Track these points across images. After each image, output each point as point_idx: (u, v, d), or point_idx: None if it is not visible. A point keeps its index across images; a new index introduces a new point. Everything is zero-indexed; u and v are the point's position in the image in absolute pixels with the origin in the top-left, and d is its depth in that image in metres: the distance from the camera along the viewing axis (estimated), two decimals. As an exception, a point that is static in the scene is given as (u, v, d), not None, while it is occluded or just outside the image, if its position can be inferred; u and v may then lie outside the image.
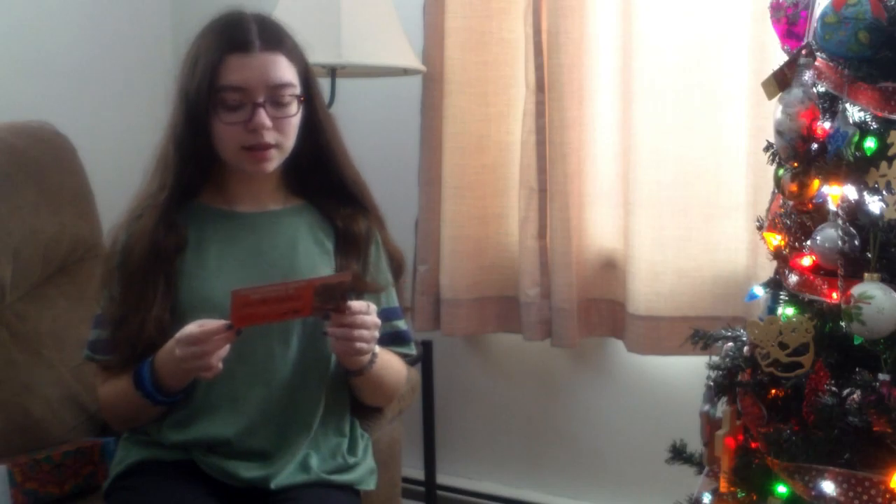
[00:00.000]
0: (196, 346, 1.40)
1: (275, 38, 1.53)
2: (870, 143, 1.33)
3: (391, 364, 1.65)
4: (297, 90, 1.54)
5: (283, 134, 1.53)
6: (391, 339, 1.67)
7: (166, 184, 1.55)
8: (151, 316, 1.49)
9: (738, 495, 1.43)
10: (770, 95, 1.51)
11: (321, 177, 1.63)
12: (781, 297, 1.51)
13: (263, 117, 1.49)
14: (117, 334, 1.53)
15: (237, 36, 1.50)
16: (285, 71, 1.52)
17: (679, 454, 1.64)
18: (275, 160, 1.55)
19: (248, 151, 1.52)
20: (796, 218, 1.49)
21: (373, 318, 1.48)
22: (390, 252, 1.69)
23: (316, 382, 1.58)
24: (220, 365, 1.42)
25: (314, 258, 1.60)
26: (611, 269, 2.29)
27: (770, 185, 1.60)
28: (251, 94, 1.49)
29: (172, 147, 1.54)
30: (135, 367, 1.50)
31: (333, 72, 2.20)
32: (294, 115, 1.54)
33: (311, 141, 1.59)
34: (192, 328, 1.41)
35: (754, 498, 1.41)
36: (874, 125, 1.35)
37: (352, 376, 1.59)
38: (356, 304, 1.46)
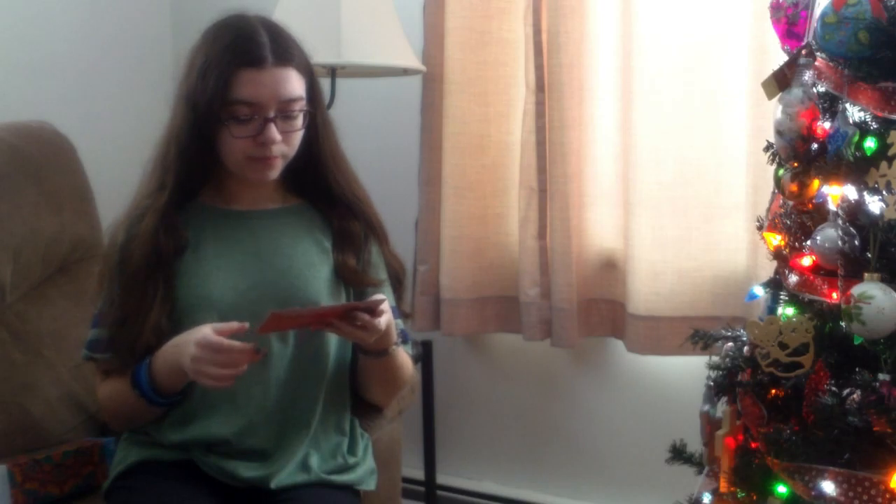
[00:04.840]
0: (215, 355, 1.39)
1: (286, 51, 1.52)
2: (870, 143, 1.33)
3: (403, 355, 1.65)
4: (304, 104, 1.54)
5: (288, 145, 1.54)
6: None
7: (166, 184, 1.55)
8: (150, 321, 1.49)
9: (738, 495, 1.43)
10: (770, 95, 1.51)
11: (318, 182, 1.63)
12: (781, 297, 1.51)
13: (274, 132, 1.50)
14: (116, 337, 1.53)
15: (250, 50, 1.49)
16: (296, 85, 1.52)
17: (679, 454, 1.64)
18: (278, 169, 1.56)
19: (255, 161, 1.52)
20: (796, 218, 1.49)
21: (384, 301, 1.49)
22: (391, 264, 1.68)
23: (313, 380, 1.58)
24: (232, 382, 1.41)
25: (312, 257, 1.61)
26: (611, 269, 2.29)
27: (770, 185, 1.60)
28: (262, 108, 1.49)
29: (174, 150, 1.54)
30: (133, 368, 1.51)
31: (333, 72, 2.20)
32: (300, 129, 1.55)
33: (310, 147, 1.59)
34: (215, 338, 1.40)
35: (754, 498, 1.41)
36: (874, 125, 1.35)
37: (375, 357, 1.57)
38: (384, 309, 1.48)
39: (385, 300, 1.48)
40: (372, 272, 1.65)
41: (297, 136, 1.55)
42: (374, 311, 1.45)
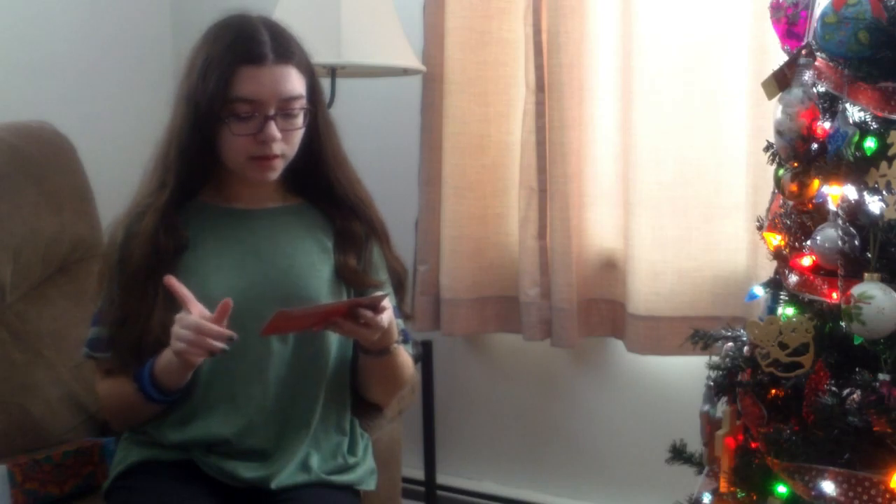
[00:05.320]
0: (190, 331, 1.40)
1: (287, 49, 1.52)
2: (870, 143, 1.33)
3: (404, 354, 1.65)
4: (305, 102, 1.54)
5: (289, 144, 1.54)
6: None
7: (167, 183, 1.55)
8: (155, 321, 1.49)
9: (738, 495, 1.43)
10: (770, 95, 1.51)
11: (320, 181, 1.63)
12: (781, 297, 1.51)
13: (274, 130, 1.50)
14: (118, 337, 1.53)
15: (251, 47, 1.49)
16: (296, 83, 1.52)
17: (679, 454, 1.64)
18: (279, 169, 1.56)
19: (255, 161, 1.52)
20: (796, 218, 1.49)
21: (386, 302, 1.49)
22: (392, 265, 1.68)
23: (314, 380, 1.58)
24: (198, 360, 1.43)
25: (313, 257, 1.60)
26: (611, 269, 2.29)
27: (770, 185, 1.60)
28: (263, 106, 1.49)
29: (175, 149, 1.54)
30: (135, 366, 1.51)
31: (333, 72, 2.20)
32: (301, 128, 1.55)
33: (311, 147, 1.59)
34: (192, 318, 1.41)
35: (754, 498, 1.41)
36: (874, 125, 1.35)
37: (376, 356, 1.57)
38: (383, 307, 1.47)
39: (387, 296, 1.49)
40: (373, 273, 1.65)
41: (298, 136, 1.55)
42: (376, 307, 1.45)
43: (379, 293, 1.49)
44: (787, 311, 1.45)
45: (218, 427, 1.53)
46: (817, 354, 1.35)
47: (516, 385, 2.53)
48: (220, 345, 1.40)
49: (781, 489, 1.36)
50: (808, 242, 1.42)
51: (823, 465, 1.30)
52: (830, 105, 1.43)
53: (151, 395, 1.50)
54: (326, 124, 1.62)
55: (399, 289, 1.69)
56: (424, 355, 2.40)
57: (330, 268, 1.60)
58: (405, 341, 1.68)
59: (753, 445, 1.45)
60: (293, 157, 1.57)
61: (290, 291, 1.55)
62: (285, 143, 1.53)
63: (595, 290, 2.31)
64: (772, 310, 1.51)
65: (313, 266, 1.59)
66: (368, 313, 1.44)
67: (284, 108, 1.51)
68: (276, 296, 1.53)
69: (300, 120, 1.54)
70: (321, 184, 1.63)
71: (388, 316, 1.48)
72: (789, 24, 1.50)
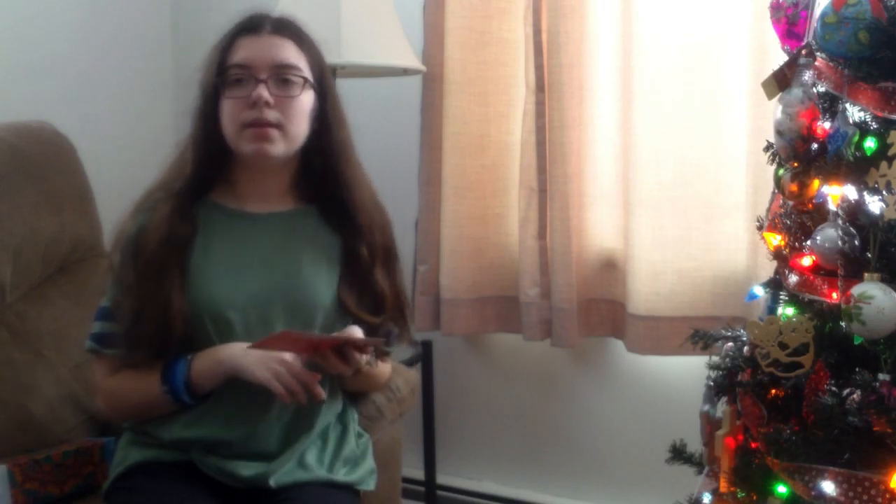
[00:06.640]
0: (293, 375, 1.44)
1: (287, 27, 1.57)
2: (870, 143, 1.32)
3: (379, 367, 1.65)
4: (304, 73, 1.55)
5: (285, 115, 1.53)
6: None
7: (181, 175, 1.56)
8: (175, 310, 1.49)
9: (738, 495, 1.43)
10: (770, 95, 1.51)
11: (328, 180, 1.61)
12: (781, 297, 1.51)
13: (263, 90, 1.50)
14: (136, 331, 1.51)
15: (250, 21, 1.56)
16: (291, 54, 1.55)
17: (679, 454, 1.64)
18: (277, 142, 1.53)
19: (250, 129, 1.52)
20: (796, 218, 1.49)
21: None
22: (387, 294, 1.63)
23: (322, 384, 1.58)
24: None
25: (320, 265, 1.60)
26: (611, 269, 2.29)
27: (770, 185, 1.60)
28: (255, 70, 1.52)
29: (190, 140, 1.57)
30: (158, 362, 1.50)
31: (333, 72, 2.19)
32: (297, 97, 1.54)
33: (321, 138, 1.58)
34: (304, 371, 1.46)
35: (754, 498, 1.41)
36: (874, 125, 1.35)
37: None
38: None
39: (383, 341, 1.52)
40: (368, 303, 1.62)
41: (294, 106, 1.54)
42: (363, 348, 1.47)
43: (376, 337, 1.51)
44: (787, 311, 1.45)
45: (222, 430, 1.53)
46: (817, 354, 1.35)
47: (516, 385, 2.53)
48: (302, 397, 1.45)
49: (781, 489, 1.36)
50: (808, 242, 1.42)
51: (823, 465, 1.30)
52: (830, 105, 1.43)
53: (183, 399, 1.50)
54: (336, 117, 1.61)
55: (384, 322, 1.63)
56: (424, 355, 2.41)
57: (336, 278, 1.60)
58: (387, 345, 1.62)
59: (753, 445, 1.45)
60: (303, 148, 1.56)
61: (297, 297, 1.55)
62: (280, 112, 1.52)
63: (595, 290, 2.31)
64: (772, 310, 1.51)
65: (319, 274, 1.59)
66: (356, 354, 1.47)
67: (277, 75, 1.53)
68: (283, 301, 1.53)
69: (295, 89, 1.54)
70: (330, 186, 1.61)
71: (365, 357, 1.51)
72: (789, 24, 1.50)
